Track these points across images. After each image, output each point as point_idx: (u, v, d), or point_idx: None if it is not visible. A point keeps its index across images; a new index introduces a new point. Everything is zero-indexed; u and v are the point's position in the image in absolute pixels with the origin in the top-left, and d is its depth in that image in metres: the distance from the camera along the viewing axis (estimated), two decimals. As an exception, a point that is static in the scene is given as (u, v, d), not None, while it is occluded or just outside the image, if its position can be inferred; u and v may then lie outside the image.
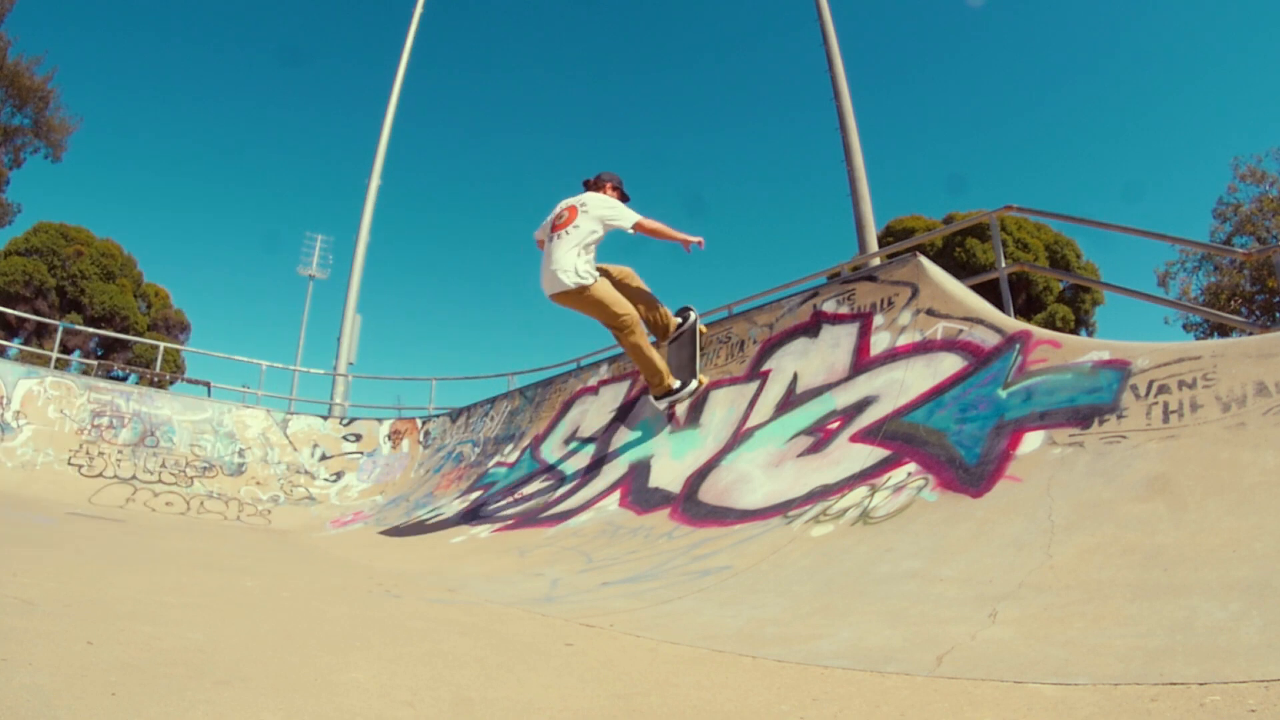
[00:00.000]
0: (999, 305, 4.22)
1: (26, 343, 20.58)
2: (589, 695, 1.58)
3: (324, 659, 1.75)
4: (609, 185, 5.53)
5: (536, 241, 5.51)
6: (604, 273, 5.37)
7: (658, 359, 5.33)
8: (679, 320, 5.77)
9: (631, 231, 5.22)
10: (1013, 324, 3.65)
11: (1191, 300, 18.04)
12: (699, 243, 5.31)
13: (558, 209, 5.34)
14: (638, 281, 5.66)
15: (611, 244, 5.36)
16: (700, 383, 5.32)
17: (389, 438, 9.84)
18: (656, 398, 5.37)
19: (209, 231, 76.75)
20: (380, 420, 10.23)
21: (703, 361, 5.59)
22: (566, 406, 6.89)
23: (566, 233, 5.19)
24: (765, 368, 4.94)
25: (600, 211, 5.22)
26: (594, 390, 6.74)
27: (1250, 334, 3.79)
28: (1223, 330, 16.48)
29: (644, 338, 5.34)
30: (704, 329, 5.72)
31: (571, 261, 5.12)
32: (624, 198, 5.57)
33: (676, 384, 5.32)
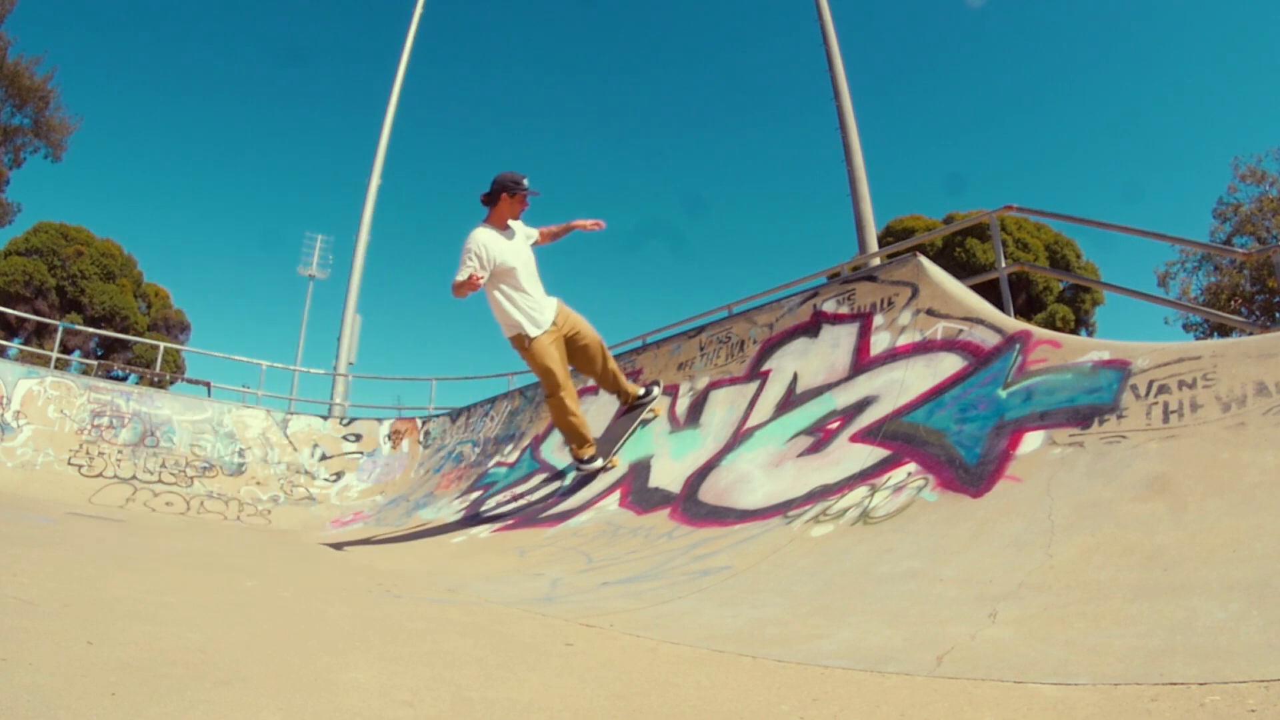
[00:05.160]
0: (999, 305, 4.23)
1: (26, 343, 20.57)
2: (589, 695, 1.57)
3: (324, 659, 1.75)
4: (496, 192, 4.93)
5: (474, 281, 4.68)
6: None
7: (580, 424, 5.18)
8: (642, 391, 5.63)
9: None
10: (1013, 324, 3.65)
11: (1191, 300, 18.04)
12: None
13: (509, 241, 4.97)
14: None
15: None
16: (610, 465, 5.22)
17: (389, 438, 9.84)
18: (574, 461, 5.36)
19: (209, 231, 76.80)
20: (380, 420, 10.24)
21: (703, 362, 5.59)
22: (566, 406, 6.87)
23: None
24: (765, 368, 4.94)
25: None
26: (594, 390, 6.74)
27: (1250, 334, 3.79)
28: (1223, 330, 16.47)
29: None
30: (657, 410, 5.55)
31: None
32: (498, 194, 4.91)
33: (588, 456, 5.23)
